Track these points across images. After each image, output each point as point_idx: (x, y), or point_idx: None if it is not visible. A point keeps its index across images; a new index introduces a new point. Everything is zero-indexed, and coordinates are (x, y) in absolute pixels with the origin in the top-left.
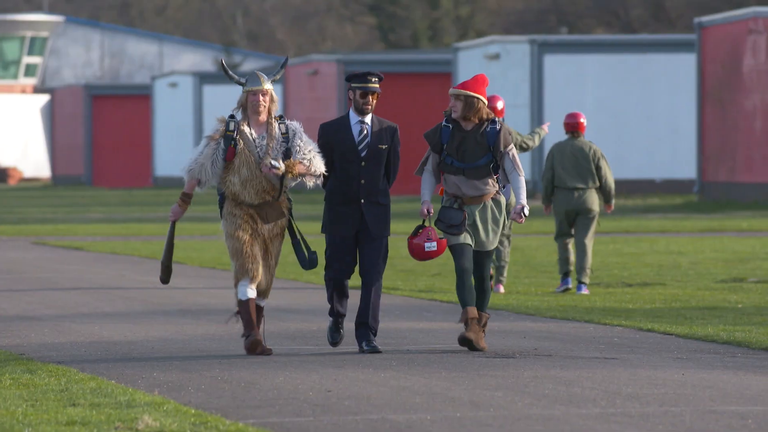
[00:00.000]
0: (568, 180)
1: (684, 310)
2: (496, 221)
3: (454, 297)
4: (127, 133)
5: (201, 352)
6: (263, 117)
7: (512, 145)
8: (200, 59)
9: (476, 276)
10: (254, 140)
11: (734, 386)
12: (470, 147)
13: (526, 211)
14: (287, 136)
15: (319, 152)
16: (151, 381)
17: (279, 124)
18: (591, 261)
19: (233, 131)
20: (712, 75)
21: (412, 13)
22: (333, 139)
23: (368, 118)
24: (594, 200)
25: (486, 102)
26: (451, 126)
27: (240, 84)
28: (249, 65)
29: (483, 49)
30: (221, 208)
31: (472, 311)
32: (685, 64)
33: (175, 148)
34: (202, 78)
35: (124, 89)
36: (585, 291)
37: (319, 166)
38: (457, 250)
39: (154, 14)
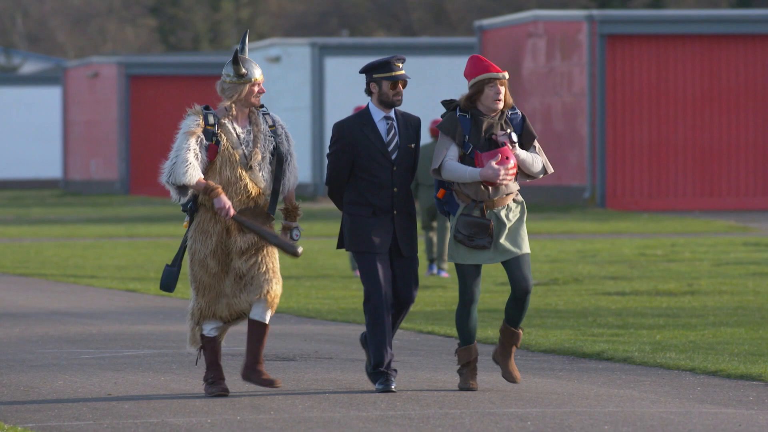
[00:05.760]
0: (429, 178)
1: None
2: (521, 223)
3: None
4: None
5: None
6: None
7: None
8: None
9: (517, 294)
10: (239, 136)
11: (513, 388)
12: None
13: (514, 137)
14: (275, 130)
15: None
16: None
17: (264, 115)
18: None
19: (213, 125)
20: None
21: (193, 16)
22: (356, 139)
23: (392, 113)
24: None
25: None
26: (468, 114)
27: (241, 75)
28: (29, 67)
29: (264, 52)
30: (191, 218)
31: (475, 351)
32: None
33: None
34: None
35: None
36: (445, 275)
37: (296, 178)
38: (465, 272)
39: None
